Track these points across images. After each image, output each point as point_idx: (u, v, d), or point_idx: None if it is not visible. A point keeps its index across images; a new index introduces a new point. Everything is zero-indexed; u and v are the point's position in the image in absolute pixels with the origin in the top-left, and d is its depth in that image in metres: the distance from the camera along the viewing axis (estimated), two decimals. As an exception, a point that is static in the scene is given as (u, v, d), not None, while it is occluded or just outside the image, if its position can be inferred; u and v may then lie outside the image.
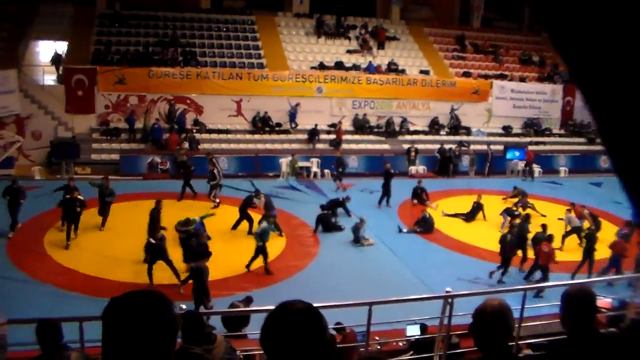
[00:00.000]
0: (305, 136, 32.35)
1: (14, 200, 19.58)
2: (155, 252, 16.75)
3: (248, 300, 14.45)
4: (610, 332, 4.32)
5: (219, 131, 31.38)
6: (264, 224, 18.51)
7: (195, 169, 25.65)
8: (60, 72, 30.85)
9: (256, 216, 20.71)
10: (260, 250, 17.69)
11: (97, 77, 29.79)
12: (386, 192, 25.09)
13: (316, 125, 32.29)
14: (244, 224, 20.95)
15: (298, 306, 2.45)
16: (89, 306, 13.96)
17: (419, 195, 25.63)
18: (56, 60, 30.98)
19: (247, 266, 17.74)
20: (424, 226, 22.33)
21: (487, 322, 3.43)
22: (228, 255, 18.30)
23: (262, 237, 17.83)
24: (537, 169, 33.00)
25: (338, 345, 11.06)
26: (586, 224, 22.17)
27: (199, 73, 31.55)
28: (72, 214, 19.24)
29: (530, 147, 33.63)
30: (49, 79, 30.72)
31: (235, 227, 21.10)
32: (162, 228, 18.12)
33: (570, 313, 3.70)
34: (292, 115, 32.71)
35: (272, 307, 2.36)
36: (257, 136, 31.80)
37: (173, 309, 2.34)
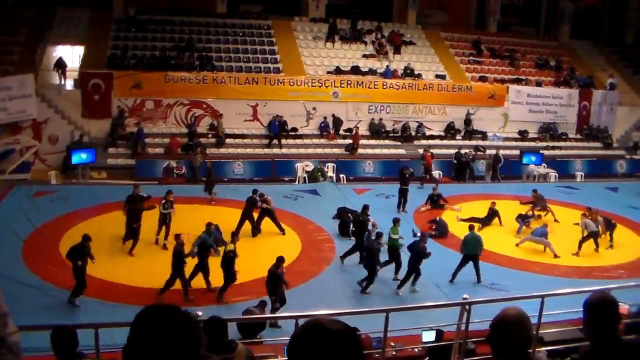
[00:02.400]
0: (320, 141, 32.46)
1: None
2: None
3: (262, 305, 14.47)
4: (633, 341, 4.23)
5: (235, 136, 31.38)
6: None
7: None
8: (63, 77, 30.77)
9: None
10: None
11: (113, 81, 29.92)
12: (402, 196, 24.99)
13: (333, 114, 32.90)
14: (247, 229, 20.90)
15: (336, 326, 2.26)
16: (104, 311, 14.05)
17: (436, 202, 25.51)
18: (59, 65, 30.82)
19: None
20: (438, 229, 22.20)
21: (507, 331, 3.38)
22: (239, 260, 18.24)
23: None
24: (553, 173, 32.86)
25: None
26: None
27: (215, 78, 31.61)
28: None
29: (546, 152, 33.45)
30: (67, 83, 30.87)
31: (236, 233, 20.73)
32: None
33: (593, 321, 3.64)
34: (324, 127, 32.89)
35: (290, 314, 2.25)
36: (273, 141, 31.78)
37: (197, 325, 2.30)
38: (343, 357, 2.22)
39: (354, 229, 20.12)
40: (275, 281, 15.05)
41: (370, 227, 20.49)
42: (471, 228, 18.84)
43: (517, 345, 3.38)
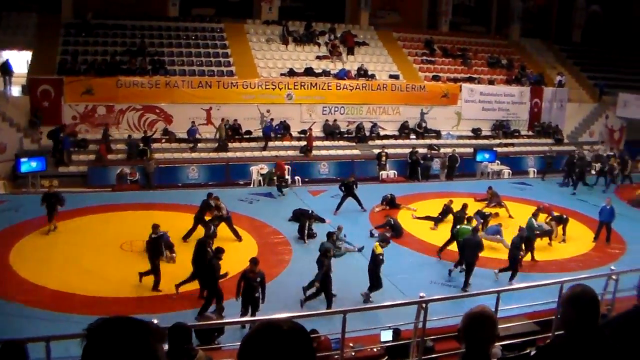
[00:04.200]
0: (275, 143, 32.41)
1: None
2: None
3: (219, 310, 14.32)
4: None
5: (189, 140, 31.09)
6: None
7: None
8: (9, 83, 30.06)
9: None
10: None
11: (63, 87, 29.37)
12: (353, 198, 25.00)
13: (285, 121, 32.98)
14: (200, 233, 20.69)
15: (286, 325, 2.28)
16: (57, 323, 13.75)
17: (392, 202, 25.59)
18: (5, 71, 30.08)
19: None
20: (393, 231, 22.26)
21: (478, 328, 3.44)
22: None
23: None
24: (506, 170, 33.32)
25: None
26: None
27: (168, 82, 31.26)
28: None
29: (499, 149, 34.20)
30: (14, 90, 30.25)
31: (187, 236, 20.40)
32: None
33: (577, 314, 3.59)
34: (279, 130, 32.89)
35: (247, 319, 2.21)
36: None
37: (153, 339, 2.23)
38: (295, 354, 2.22)
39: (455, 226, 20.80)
40: (246, 284, 14.87)
41: (335, 229, 20.61)
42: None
43: (483, 342, 3.40)
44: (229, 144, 31.44)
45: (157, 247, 17.21)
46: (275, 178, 28.11)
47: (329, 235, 18.25)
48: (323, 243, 17.21)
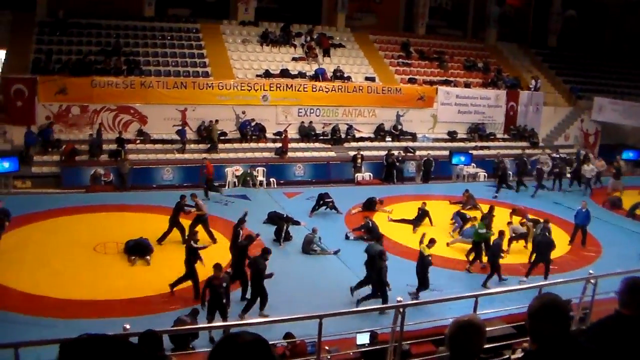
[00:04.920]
0: (250, 145, 32.27)
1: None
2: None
3: (194, 313, 14.12)
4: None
5: (164, 141, 30.84)
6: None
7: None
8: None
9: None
10: None
11: (37, 87, 28.96)
12: (328, 205, 25.08)
13: (258, 123, 32.84)
14: (175, 235, 20.55)
15: (246, 338, 2.37)
16: (27, 326, 13.49)
17: (369, 204, 25.55)
18: None
19: None
20: (370, 234, 22.18)
21: (470, 337, 3.43)
22: (169, 268, 17.81)
23: None
24: (482, 173, 33.43)
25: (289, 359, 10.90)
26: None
27: (143, 82, 30.93)
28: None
29: (475, 152, 34.21)
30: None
31: (162, 239, 20.31)
32: None
33: (552, 327, 3.47)
34: (254, 131, 32.73)
35: (222, 324, 2.23)
36: (202, 145, 31.34)
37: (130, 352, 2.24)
38: None
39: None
40: (212, 291, 14.62)
41: (310, 230, 20.61)
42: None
43: (469, 353, 3.38)
44: (205, 145, 31.22)
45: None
46: (206, 183, 27.06)
47: (378, 238, 18.18)
48: (373, 245, 17.39)
